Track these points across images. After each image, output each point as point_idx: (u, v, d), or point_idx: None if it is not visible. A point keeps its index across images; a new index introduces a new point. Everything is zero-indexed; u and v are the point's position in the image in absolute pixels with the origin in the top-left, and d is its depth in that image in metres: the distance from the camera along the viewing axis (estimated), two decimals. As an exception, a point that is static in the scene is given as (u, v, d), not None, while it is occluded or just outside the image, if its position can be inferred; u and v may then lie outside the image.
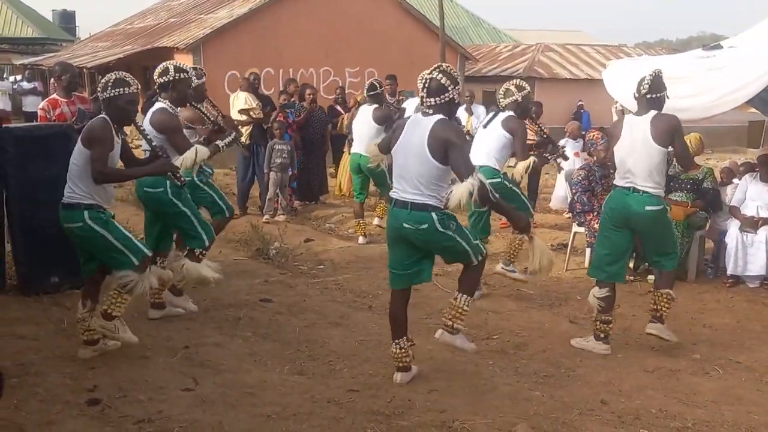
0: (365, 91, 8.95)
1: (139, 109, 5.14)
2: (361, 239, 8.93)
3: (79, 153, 4.67)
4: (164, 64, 5.57)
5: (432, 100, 4.39)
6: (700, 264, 7.71)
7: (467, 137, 8.58)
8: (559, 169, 7.72)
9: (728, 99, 6.97)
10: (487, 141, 6.47)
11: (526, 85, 6.51)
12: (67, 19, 36.97)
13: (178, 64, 5.58)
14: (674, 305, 6.38)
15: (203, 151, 5.27)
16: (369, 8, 18.58)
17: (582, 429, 4.18)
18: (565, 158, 7.25)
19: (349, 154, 9.71)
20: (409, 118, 4.67)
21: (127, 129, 5.03)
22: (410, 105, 10.32)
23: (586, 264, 7.77)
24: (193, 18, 19.96)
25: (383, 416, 4.20)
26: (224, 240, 8.68)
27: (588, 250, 7.76)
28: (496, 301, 6.63)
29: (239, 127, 8.31)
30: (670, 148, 5.36)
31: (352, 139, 9.39)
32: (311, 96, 10.82)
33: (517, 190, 6.57)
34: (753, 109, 7.62)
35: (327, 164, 11.84)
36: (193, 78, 6.23)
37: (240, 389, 4.46)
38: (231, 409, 4.19)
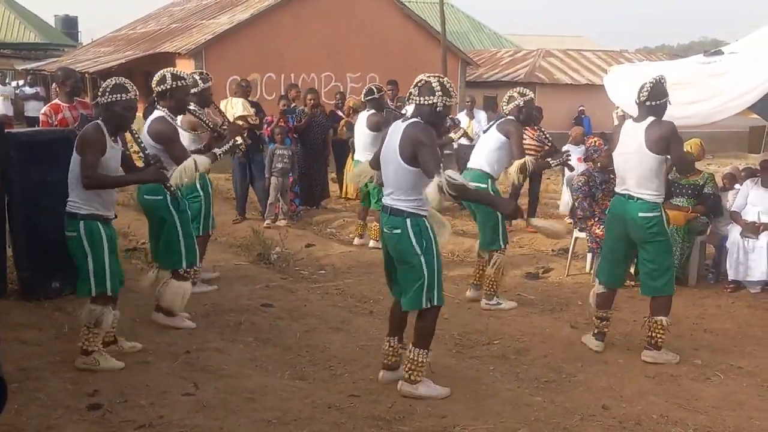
0: (363, 96, 8.97)
1: (142, 115, 5.15)
2: (356, 240, 8.99)
3: (74, 160, 4.68)
4: (161, 72, 5.56)
5: (417, 98, 4.41)
6: (701, 269, 7.70)
7: (467, 142, 8.63)
8: (564, 172, 7.64)
9: (730, 105, 6.97)
10: (484, 145, 6.49)
11: (529, 92, 6.47)
12: (69, 24, 37.08)
13: (175, 72, 5.55)
14: (675, 311, 6.39)
15: (203, 161, 5.22)
16: (370, 13, 18.63)
17: (583, 434, 4.17)
18: (570, 168, 7.25)
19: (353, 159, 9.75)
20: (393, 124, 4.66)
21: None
22: (410, 111, 10.33)
23: (588, 269, 7.78)
24: (195, 23, 20.02)
25: (384, 421, 4.20)
26: (225, 245, 8.71)
27: (589, 255, 7.77)
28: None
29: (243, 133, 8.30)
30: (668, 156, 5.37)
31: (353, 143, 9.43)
32: (312, 101, 10.83)
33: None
34: (754, 115, 7.63)
35: (328, 169, 11.86)
36: (200, 83, 6.25)
37: (241, 394, 4.46)
38: (232, 414, 4.19)
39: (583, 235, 7.76)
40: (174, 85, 5.43)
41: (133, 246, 8.19)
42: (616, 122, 8.45)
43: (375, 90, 8.83)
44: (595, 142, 7.78)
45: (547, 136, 7.10)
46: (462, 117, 12.31)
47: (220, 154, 5.56)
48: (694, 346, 5.81)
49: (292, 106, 10.80)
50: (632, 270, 7.50)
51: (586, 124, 21.57)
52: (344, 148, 11.18)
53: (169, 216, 5.43)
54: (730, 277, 7.25)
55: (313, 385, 4.73)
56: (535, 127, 7.73)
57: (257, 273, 7.48)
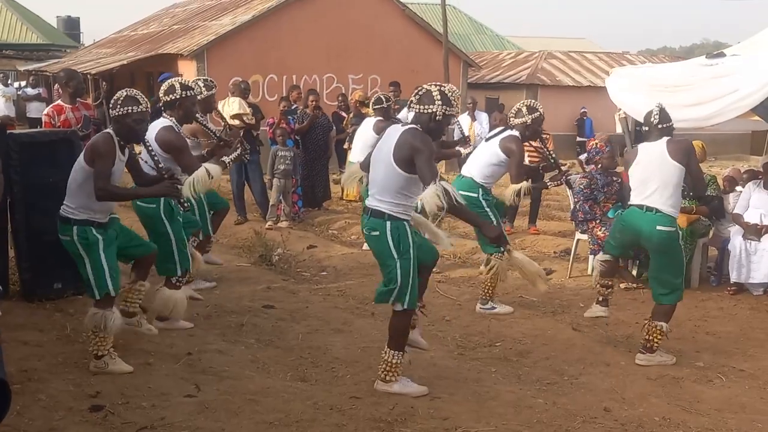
0: (371, 104, 9.02)
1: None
2: (366, 245, 8.98)
3: (78, 168, 4.66)
4: (170, 81, 5.57)
5: (417, 106, 4.42)
6: (703, 272, 7.70)
7: (469, 145, 8.61)
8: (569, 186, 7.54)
9: (732, 107, 6.98)
10: (482, 155, 6.41)
11: (539, 107, 6.30)
12: (71, 25, 37.11)
13: (184, 82, 5.57)
14: (677, 313, 6.38)
15: (215, 169, 5.21)
16: (372, 15, 18.62)
17: (585, 437, 4.17)
18: (570, 186, 7.21)
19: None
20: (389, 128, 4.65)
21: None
22: (402, 115, 10.38)
23: (589, 271, 7.77)
24: (197, 25, 20.03)
25: (386, 423, 4.19)
26: (227, 246, 8.71)
27: (591, 257, 7.76)
28: (498, 308, 6.61)
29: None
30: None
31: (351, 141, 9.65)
32: (314, 102, 10.84)
33: (492, 217, 6.23)
34: (756, 117, 7.62)
35: (330, 170, 11.88)
36: (204, 91, 6.25)
37: (242, 396, 4.45)
38: (233, 416, 4.19)
39: (585, 237, 7.75)
40: (183, 95, 5.44)
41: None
42: (618, 124, 8.41)
43: (384, 99, 8.89)
44: (596, 144, 7.76)
45: (550, 151, 7.01)
46: (464, 118, 12.32)
47: (228, 162, 5.58)
48: (696, 348, 5.81)
49: (293, 107, 10.81)
50: (634, 272, 7.53)
51: (588, 126, 21.59)
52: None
53: (161, 224, 5.42)
54: (733, 280, 7.24)
55: (315, 387, 4.72)
56: (543, 144, 7.58)
57: (259, 274, 7.48)
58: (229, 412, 4.23)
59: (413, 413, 4.32)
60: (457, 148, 8.59)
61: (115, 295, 4.75)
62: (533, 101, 6.49)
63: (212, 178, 5.18)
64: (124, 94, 4.70)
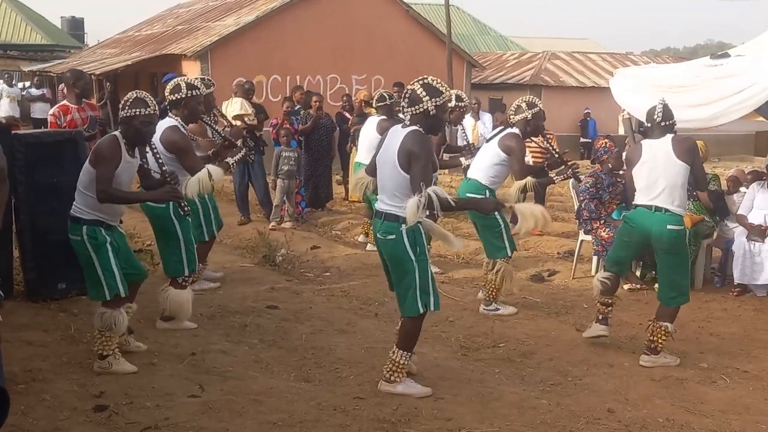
0: (375, 102, 9.01)
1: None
2: (361, 237, 9.06)
3: (84, 171, 4.67)
4: (176, 80, 5.57)
5: (409, 110, 4.43)
6: (707, 273, 7.69)
7: (471, 155, 8.60)
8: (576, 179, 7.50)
9: (736, 108, 6.96)
10: (484, 156, 6.41)
11: (539, 102, 6.30)
12: (75, 26, 37.18)
13: (189, 81, 5.58)
14: (681, 314, 6.36)
15: (217, 171, 5.22)
16: (376, 15, 18.62)
17: (589, 438, 4.17)
18: (578, 179, 7.17)
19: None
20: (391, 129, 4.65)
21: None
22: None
23: (593, 272, 7.75)
24: (201, 25, 20.04)
25: (389, 424, 4.20)
26: (230, 246, 8.72)
27: (595, 258, 7.75)
28: (502, 309, 6.61)
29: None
30: None
31: (356, 140, 9.74)
32: (317, 103, 10.84)
33: (500, 219, 6.22)
34: (760, 118, 7.62)
35: (333, 171, 11.89)
36: (203, 90, 6.26)
37: (246, 396, 4.46)
38: (237, 416, 4.20)
39: (589, 237, 7.74)
40: (189, 95, 5.45)
41: (138, 248, 8.20)
42: (621, 125, 8.40)
43: (387, 97, 8.88)
44: (605, 143, 7.71)
45: (554, 146, 6.98)
46: (467, 119, 12.31)
47: (232, 164, 5.60)
48: (700, 349, 5.80)
49: (296, 108, 10.82)
50: (638, 273, 7.52)
51: (591, 126, 21.58)
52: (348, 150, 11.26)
53: (170, 224, 5.44)
54: (737, 281, 7.23)
55: (319, 387, 4.73)
56: (541, 134, 7.62)
57: (262, 275, 7.49)
58: (233, 413, 4.23)
59: (417, 414, 4.33)
60: (460, 158, 8.56)
61: (124, 296, 4.75)
62: (532, 97, 6.47)
63: (213, 180, 5.18)
64: (134, 95, 4.69)
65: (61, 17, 37.74)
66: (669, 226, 5.29)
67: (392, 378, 4.61)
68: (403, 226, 4.36)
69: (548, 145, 7.00)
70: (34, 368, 4.68)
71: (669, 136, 5.38)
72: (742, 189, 7.98)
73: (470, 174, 6.48)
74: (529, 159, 8.78)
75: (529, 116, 6.17)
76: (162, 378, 4.69)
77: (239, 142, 6.13)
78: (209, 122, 6.00)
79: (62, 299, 6.03)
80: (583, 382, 5.03)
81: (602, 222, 7.48)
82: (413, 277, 4.42)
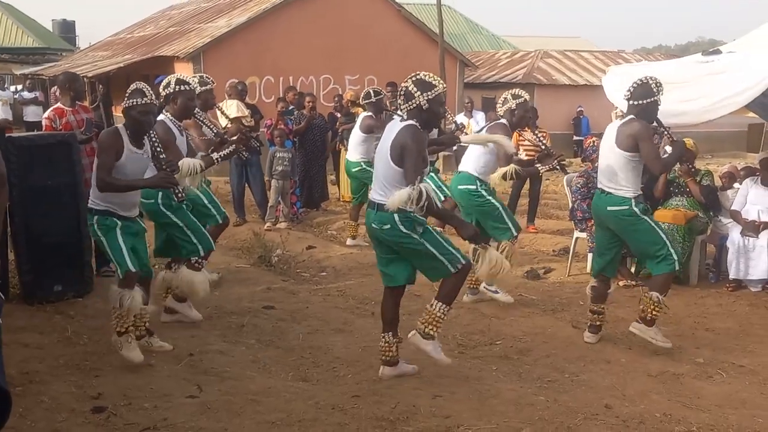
0: (362, 99, 9.06)
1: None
2: (349, 240, 9.04)
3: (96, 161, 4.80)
4: (169, 77, 5.60)
5: (405, 106, 4.55)
6: (701, 268, 7.71)
7: (464, 130, 8.64)
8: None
9: (726, 103, 6.97)
10: (474, 148, 6.48)
11: (524, 93, 6.40)
12: (67, 28, 37.04)
13: (180, 77, 5.61)
14: (677, 310, 6.40)
15: (193, 163, 5.29)
16: (368, 16, 18.64)
17: (586, 434, 4.18)
18: (564, 171, 7.21)
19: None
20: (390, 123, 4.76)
21: None
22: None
23: (588, 269, 7.77)
24: (193, 27, 20.02)
25: (388, 422, 4.20)
26: (226, 248, 8.71)
27: (590, 256, 7.76)
28: (498, 307, 6.62)
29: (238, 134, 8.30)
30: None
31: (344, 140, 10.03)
32: (311, 104, 10.86)
33: (496, 202, 6.39)
34: (752, 113, 7.64)
35: (328, 171, 11.91)
36: (197, 88, 6.26)
37: (244, 396, 4.46)
38: (235, 416, 4.20)
39: (584, 235, 7.76)
40: (177, 89, 5.46)
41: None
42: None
43: (373, 93, 8.92)
44: (593, 142, 7.78)
45: (542, 138, 7.09)
46: (461, 118, 12.37)
47: (218, 158, 5.60)
48: (696, 345, 5.82)
49: (290, 108, 10.82)
50: (633, 269, 7.54)
51: (584, 124, 21.64)
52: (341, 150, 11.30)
53: (164, 216, 5.49)
54: (731, 276, 7.26)
55: (317, 387, 4.73)
56: (532, 129, 7.71)
57: (258, 275, 7.49)
58: (231, 413, 4.24)
59: (415, 411, 4.33)
60: (458, 136, 8.63)
61: (135, 271, 4.81)
62: (518, 89, 6.55)
63: (184, 173, 5.21)
64: (133, 87, 4.82)
65: (53, 20, 37.60)
66: (609, 208, 5.39)
67: (428, 330, 4.67)
68: (396, 215, 4.46)
69: (537, 138, 7.10)
70: (31, 370, 4.68)
71: (619, 122, 5.40)
72: (736, 185, 8.01)
73: (461, 167, 6.57)
74: (522, 154, 8.84)
75: (514, 106, 6.27)
76: (160, 379, 4.69)
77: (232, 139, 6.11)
78: (201, 118, 6.00)
79: (58, 301, 6.03)
80: (580, 378, 5.04)
81: (596, 220, 7.49)
82: (429, 251, 4.54)
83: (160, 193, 5.36)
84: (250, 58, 17.26)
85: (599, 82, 9.19)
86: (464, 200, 6.50)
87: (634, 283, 7.29)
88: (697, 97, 7.12)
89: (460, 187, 6.46)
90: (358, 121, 8.99)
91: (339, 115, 11.97)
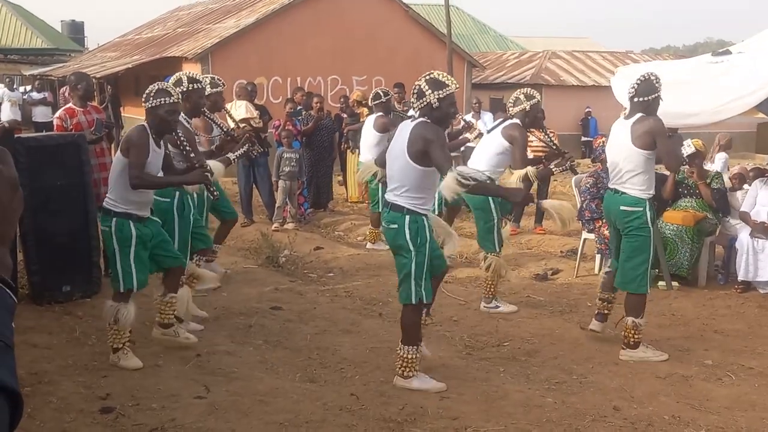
0: (371, 100, 9.05)
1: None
2: (369, 245, 9.01)
3: (117, 161, 4.81)
4: (178, 74, 5.62)
5: (416, 104, 4.59)
6: (710, 270, 7.68)
7: (474, 128, 8.63)
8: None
9: (736, 104, 6.96)
10: (486, 147, 6.46)
11: (536, 93, 6.37)
12: (75, 29, 37.15)
13: (191, 75, 5.62)
14: (685, 311, 6.38)
15: (218, 166, 5.30)
16: (376, 16, 18.63)
17: (595, 435, 4.17)
18: (575, 172, 7.19)
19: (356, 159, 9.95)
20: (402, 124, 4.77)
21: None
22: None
23: (596, 270, 7.76)
24: (201, 28, 20.06)
25: (395, 423, 4.20)
26: (234, 248, 8.73)
27: (598, 257, 7.75)
28: (506, 308, 6.61)
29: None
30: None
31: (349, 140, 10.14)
32: (318, 104, 10.87)
33: (495, 214, 6.31)
34: (761, 114, 7.61)
35: (335, 172, 11.92)
36: (208, 87, 6.28)
37: (252, 397, 4.46)
38: (243, 417, 4.20)
39: (591, 236, 7.74)
40: (190, 88, 5.48)
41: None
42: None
43: (382, 94, 8.92)
44: (603, 142, 7.75)
45: (552, 138, 7.03)
46: (469, 119, 12.33)
47: (234, 159, 5.64)
48: (704, 346, 5.79)
49: (298, 108, 10.83)
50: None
51: (592, 125, 21.57)
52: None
53: (171, 219, 5.47)
54: (740, 278, 7.22)
55: (324, 387, 4.73)
56: (541, 129, 7.67)
57: (266, 276, 7.49)
58: (239, 413, 4.24)
59: (423, 413, 4.33)
60: (463, 135, 8.62)
61: (137, 291, 4.83)
62: (530, 89, 6.52)
63: (213, 175, 5.21)
64: (156, 87, 4.82)
65: (62, 21, 37.69)
66: (622, 207, 5.34)
67: (405, 373, 4.68)
68: (408, 216, 4.47)
69: (548, 138, 7.04)
70: (39, 371, 4.69)
71: (636, 117, 5.28)
72: (746, 186, 7.97)
73: (471, 164, 6.51)
74: (529, 153, 8.81)
75: (528, 107, 6.23)
76: (167, 379, 4.70)
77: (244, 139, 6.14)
78: (211, 117, 6.01)
79: (66, 302, 6.05)
80: (588, 380, 5.03)
81: (604, 221, 7.47)
82: (410, 267, 4.53)
83: (177, 195, 5.36)
84: (258, 58, 17.28)
85: (608, 82, 9.19)
86: (471, 198, 6.49)
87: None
88: (708, 97, 7.10)
89: None
90: (370, 121, 8.94)
91: (344, 115, 11.99)
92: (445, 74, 4.62)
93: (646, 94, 5.28)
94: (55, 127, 6.89)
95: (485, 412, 4.37)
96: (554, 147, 6.81)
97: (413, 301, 4.59)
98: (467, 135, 8.17)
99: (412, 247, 4.51)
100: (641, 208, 5.30)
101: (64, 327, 5.59)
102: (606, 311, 5.77)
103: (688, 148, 7.53)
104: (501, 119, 6.61)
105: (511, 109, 6.37)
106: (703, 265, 7.47)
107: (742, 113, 7.18)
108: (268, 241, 8.33)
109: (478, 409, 4.43)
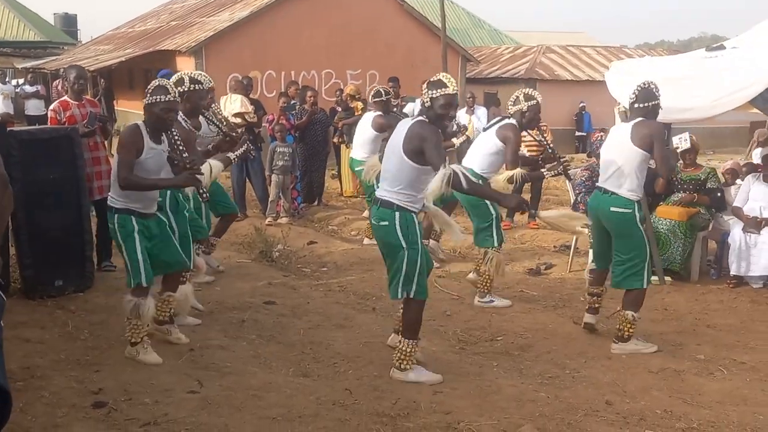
0: (371, 98, 9.02)
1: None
2: (366, 240, 8.99)
3: (115, 158, 4.79)
4: (179, 74, 5.60)
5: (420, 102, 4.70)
6: (703, 265, 7.70)
7: (463, 134, 8.63)
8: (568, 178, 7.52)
9: (730, 99, 6.96)
10: (480, 145, 6.47)
11: (537, 95, 6.31)
12: (69, 22, 37.03)
13: (192, 75, 5.60)
14: (678, 306, 6.39)
15: (217, 165, 5.32)
16: (371, 10, 18.62)
17: (587, 430, 4.17)
18: (569, 177, 7.20)
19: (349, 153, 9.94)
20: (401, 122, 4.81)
21: None
22: (409, 109, 10.45)
23: (589, 265, 7.77)
24: (195, 21, 20.01)
25: (388, 418, 4.20)
26: (227, 243, 8.70)
27: (591, 252, 7.75)
28: (499, 303, 6.62)
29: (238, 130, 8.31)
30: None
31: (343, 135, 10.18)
32: (312, 98, 10.84)
33: (492, 209, 6.31)
34: (755, 110, 7.62)
35: (329, 166, 11.91)
36: (210, 86, 6.27)
37: (245, 391, 4.46)
38: (236, 412, 4.20)
39: (585, 231, 7.73)
40: (191, 88, 5.48)
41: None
42: (617, 118, 8.42)
43: (383, 92, 8.89)
44: (601, 137, 7.74)
45: (548, 140, 7.02)
46: (462, 114, 12.33)
47: (234, 158, 5.63)
48: (696, 341, 5.81)
49: (292, 103, 10.81)
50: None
51: (586, 120, 21.60)
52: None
53: (164, 216, 5.43)
54: (732, 273, 7.24)
55: (317, 382, 4.73)
56: (540, 134, 7.62)
57: (259, 270, 7.48)
58: (232, 408, 4.24)
59: (416, 407, 4.33)
60: (452, 139, 8.62)
61: (147, 285, 4.82)
62: (531, 90, 6.50)
63: (213, 175, 5.22)
64: (156, 83, 4.80)
65: (54, 14, 37.60)
66: (612, 208, 5.36)
67: (402, 366, 4.72)
68: (398, 213, 4.49)
69: (542, 138, 7.05)
70: (32, 365, 4.67)
71: (633, 121, 5.35)
72: (739, 181, 7.99)
73: (465, 163, 6.51)
74: (524, 151, 8.80)
75: (525, 108, 6.21)
76: (160, 374, 4.69)
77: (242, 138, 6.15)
78: (210, 117, 6.00)
79: (59, 296, 6.03)
80: (581, 374, 5.04)
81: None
82: (401, 264, 4.55)
83: (169, 194, 5.34)
84: (252, 52, 17.25)
85: (602, 77, 9.17)
86: (464, 197, 6.48)
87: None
88: (702, 92, 7.10)
89: None
90: (367, 119, 8.89)
91: (339, 109, 11.98)
92: (449, 77, 4.63)
93: (647, 101, 5.38)
94: (48, 120, 6.87)
95: (478, 407, 4.38)
96: (549, 148, 6.79)
97: (398, 297, 4.64)
98: (454, 140, 8.11)
99: (404, 244, 4.52)
100: (631, 210, 5.35)
101: (56, 321, 5.57)
102: (597, 305, 5.82)
103: (684, 142, 7.54)
104: (497, 119, 6.57)
105: (509, 108, 6.34)
106: (695, 259, 7.50)
107: (736, 108, 7.18)
108: (262, 236, 8.33)
109: (471, 403, 4.43)
